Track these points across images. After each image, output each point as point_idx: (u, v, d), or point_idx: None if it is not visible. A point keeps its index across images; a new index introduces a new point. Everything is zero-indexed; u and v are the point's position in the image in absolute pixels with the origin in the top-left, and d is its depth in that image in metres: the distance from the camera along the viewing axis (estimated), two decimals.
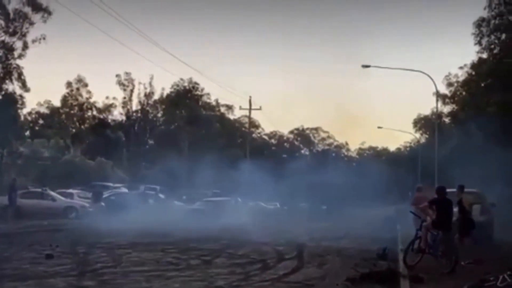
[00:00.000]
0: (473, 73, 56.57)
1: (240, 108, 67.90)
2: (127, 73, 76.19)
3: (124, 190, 47.45)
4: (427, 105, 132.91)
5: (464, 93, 61.22)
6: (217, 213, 42.33)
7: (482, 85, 53.91)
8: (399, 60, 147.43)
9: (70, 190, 41.24)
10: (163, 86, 78.87)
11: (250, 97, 65.11)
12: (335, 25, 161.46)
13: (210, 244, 20.92)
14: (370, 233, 29.92)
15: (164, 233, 25.18)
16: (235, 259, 16.76)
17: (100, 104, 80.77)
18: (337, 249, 20.89)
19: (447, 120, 69.33)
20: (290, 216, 47.63)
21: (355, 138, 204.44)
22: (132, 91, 77.26)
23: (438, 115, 65.39)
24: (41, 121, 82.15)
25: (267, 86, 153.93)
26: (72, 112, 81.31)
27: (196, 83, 77.78)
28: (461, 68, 60.33)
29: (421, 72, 47.10)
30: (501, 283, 11.04)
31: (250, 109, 65.23)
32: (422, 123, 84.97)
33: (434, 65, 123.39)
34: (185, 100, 77.00)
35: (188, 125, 73.40)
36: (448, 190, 21.96)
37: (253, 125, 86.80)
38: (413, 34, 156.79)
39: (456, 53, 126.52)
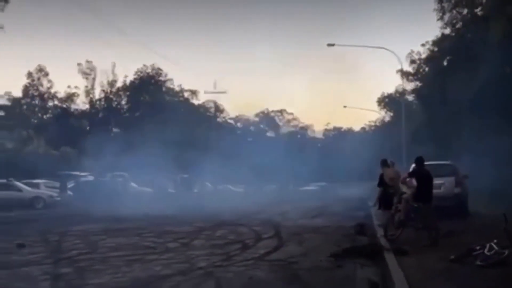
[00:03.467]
0: (435, 49, 56.80)
1: (205, 92, 67.46)
2: (88, 62, 75.05)
3: (91, 178, 46.73)
4: (391, 83, 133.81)
5: (427, 69, 61.49)
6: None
7: (444, 61, 54.21)
8: (364, 39, 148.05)
9: (37, 180, 40.27)
10: (126, 74, 78.00)
11: (215, 80, 64.80)
12: (298, 5, 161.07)
13: (185, 227, 20.60)
14: (344, 211, 30.04)
15: (136, 218, 24.87)
16: (213, 241, 16.46)
17: (62, 94, 79.48)
18: (313, 227, 20.76)
19: (410, 97, 69.44)
20: (260, 198, 47.40)
21: (321, 119, 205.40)
22: (94, 79, 76.13)
23: (403, 92, 65.80)
24: (2, 113, 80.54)
25: (231, 69, 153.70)
26: (33, 102, 79.88)
27: (159, 69, 77.12)
28: (423, 45, 60.42)
29: (385, 49, 47.23)
30: (488, 251, 10.91)
31: (215, 92, 64.85)
32: (386, 101, 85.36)
33: (399, 43, 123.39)
34: (149, 87, 76.19)
35: (152, 111, 72.60)
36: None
37: (218, 109, 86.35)
38: (378, 12, 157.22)
39: (421, 30, 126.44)
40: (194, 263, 12.26)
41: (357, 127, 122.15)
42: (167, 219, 24.51)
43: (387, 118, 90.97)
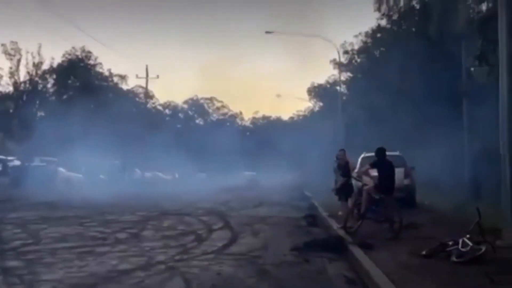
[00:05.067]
0: (368, 41, 57.17)
1: (137, 76, 65.62)
2: (13, 42, 71.90)
3: (17, 162, 44.93)
4: (327, 73, 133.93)
5: (359, 60, 61.94)
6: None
7: (377, 53, 54.57)
8: (303, 28, 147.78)
9: None
10: (52, 56, 75.13)
11: (147, 65, 63.40)
12: None
13: (128, 216, 19.72)
14: (285, 201, 29.64)
15: (72, 205, 23.78)
16: (163, 231, 15.66)
17: None
18: (260, 217, 20.21)
19: (340, 88, 69.62)
20: (192, 186, 46.61)
21: (253, 107, 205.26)
22: (19, 60, 72.97)
23: (335, 82, 66.06)
24: None
25: (163, 55, 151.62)
26: None
27: (89, 52, 74.62)
28: (356, 36, 60.75)
29: (323, 38, 47.09)
30: (462, 247, 10.54)
31: (147, 77, 63.38)
32: (316, 91, 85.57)
33: (340, 33, 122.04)
34: (78, 70, 73.60)
35: (80, 95, 70.24)
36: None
37: (148, 95, 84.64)
38: (319, 1, 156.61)
39: (362, 20, 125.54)
40: (152, 256, 11.46)
41: (286, 116, 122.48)
42: (106, 207, 23.45)
43: (317, 108, 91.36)
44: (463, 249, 10.49)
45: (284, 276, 9.76)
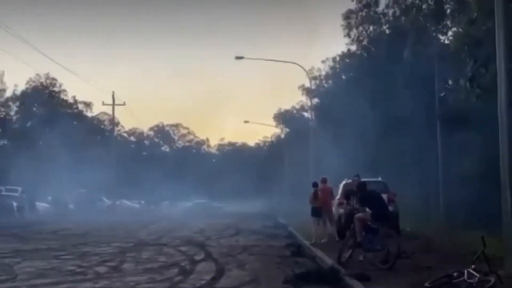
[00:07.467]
0: (337, 66, 57.17)
1: (103, 103, 64.58)
2: None
3: None
4: (295, 98, 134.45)
5: (326, 86, 61.97)
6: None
7: (345, 78, 54.51)
8: (275, 53, 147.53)
9: None
10: (16, 83, 74.09)
11: (113, 92, 62.42)
12: (207, 18, 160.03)
13: (104, 248, 18.89)
14: (260, 229, 29.14)
15: (42, 237, 22.86)
16: (143, 264, 14.88)
17: None
18: (241, 246, 19.59)
19: (312, 115, 69.45)
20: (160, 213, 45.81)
21: (219, 134, 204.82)
22: None
23: (302, 108, 65.96)
24: None
25: (129, 82, 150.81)
26: None
27: (53, 78, 73.44)
28: (323, 62, 60.77)
29: (294, 63, 47.00)
30: (468, 278, 10.02)
31: (113, 104, 62.41)
32: (284, 117, 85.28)
33: (312, 58, 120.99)
34: (42, 97, 72.35)
35: (45, 123, 69.06)
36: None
37: (113, 122, 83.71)
38: (291, 26, 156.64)
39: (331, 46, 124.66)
40: None
41: (252, 143, 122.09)
42: (79, 237, 22.62)
43: (283, 135, 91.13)
44: (471, 281, 9.96)
45: None
